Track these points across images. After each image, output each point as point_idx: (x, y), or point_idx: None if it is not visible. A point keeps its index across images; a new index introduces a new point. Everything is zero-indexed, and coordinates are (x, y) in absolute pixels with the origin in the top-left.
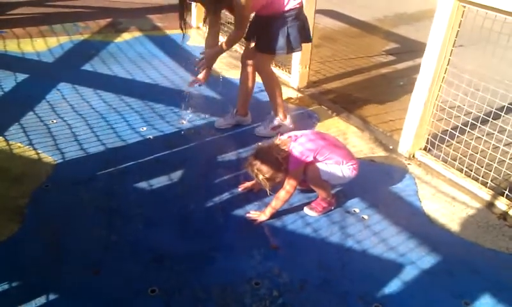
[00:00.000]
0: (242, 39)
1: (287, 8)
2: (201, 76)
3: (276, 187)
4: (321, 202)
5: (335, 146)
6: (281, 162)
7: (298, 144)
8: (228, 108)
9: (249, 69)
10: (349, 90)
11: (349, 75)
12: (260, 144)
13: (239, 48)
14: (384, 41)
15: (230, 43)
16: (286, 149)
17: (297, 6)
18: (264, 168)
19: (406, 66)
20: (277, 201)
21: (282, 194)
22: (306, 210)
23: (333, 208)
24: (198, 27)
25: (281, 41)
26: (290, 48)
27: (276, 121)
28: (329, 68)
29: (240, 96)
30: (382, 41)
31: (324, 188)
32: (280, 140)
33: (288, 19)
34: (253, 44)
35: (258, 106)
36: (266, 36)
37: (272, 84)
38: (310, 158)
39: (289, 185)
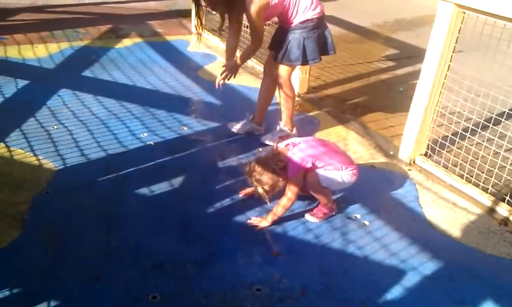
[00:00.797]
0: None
1: (303, 19)
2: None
3: (277, 193)
4: (322, 208)
5: (335, 152)
6: (279, 173)
7: (298, 150)
8: (232, 114)
9: (271, 78)
10: (349, 96)
11: (349, 81)
12: (260, 149)
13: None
14: (384, 46)
15: (246, 57)
16: (284, 159)
17: (316, 16)
18: (262, 180)
19: (406, 71)
20: (278, 208)
21: (284, 200)
22: (307, 216)
23: (334, 214)
24: (198, 33)
25: (296, 52)
26: (305, 61)
27: (284, 132)
28: (329, 74)
29: (259, 104)
30: (382, 47)
31: (325, 194)
32: (277, 148)
33: (305, 30)
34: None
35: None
36: (283, 46)
37: (288, 95)
38: (309, 165)
39: (290, 191)
